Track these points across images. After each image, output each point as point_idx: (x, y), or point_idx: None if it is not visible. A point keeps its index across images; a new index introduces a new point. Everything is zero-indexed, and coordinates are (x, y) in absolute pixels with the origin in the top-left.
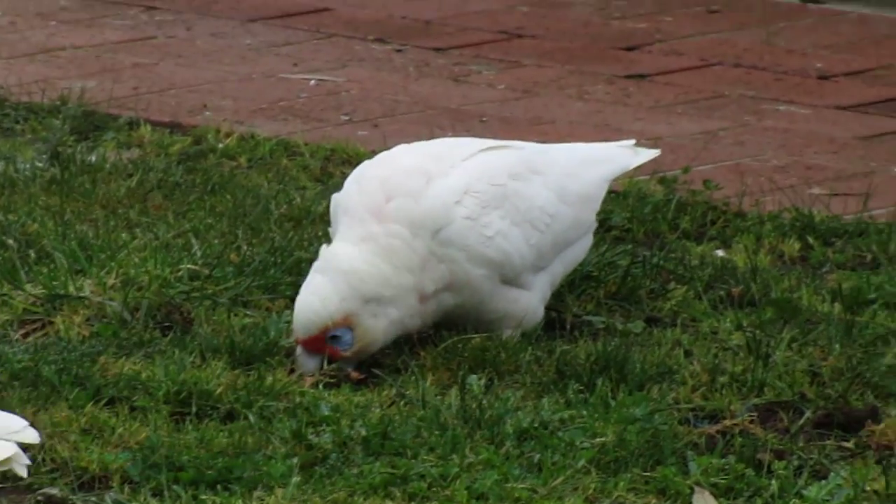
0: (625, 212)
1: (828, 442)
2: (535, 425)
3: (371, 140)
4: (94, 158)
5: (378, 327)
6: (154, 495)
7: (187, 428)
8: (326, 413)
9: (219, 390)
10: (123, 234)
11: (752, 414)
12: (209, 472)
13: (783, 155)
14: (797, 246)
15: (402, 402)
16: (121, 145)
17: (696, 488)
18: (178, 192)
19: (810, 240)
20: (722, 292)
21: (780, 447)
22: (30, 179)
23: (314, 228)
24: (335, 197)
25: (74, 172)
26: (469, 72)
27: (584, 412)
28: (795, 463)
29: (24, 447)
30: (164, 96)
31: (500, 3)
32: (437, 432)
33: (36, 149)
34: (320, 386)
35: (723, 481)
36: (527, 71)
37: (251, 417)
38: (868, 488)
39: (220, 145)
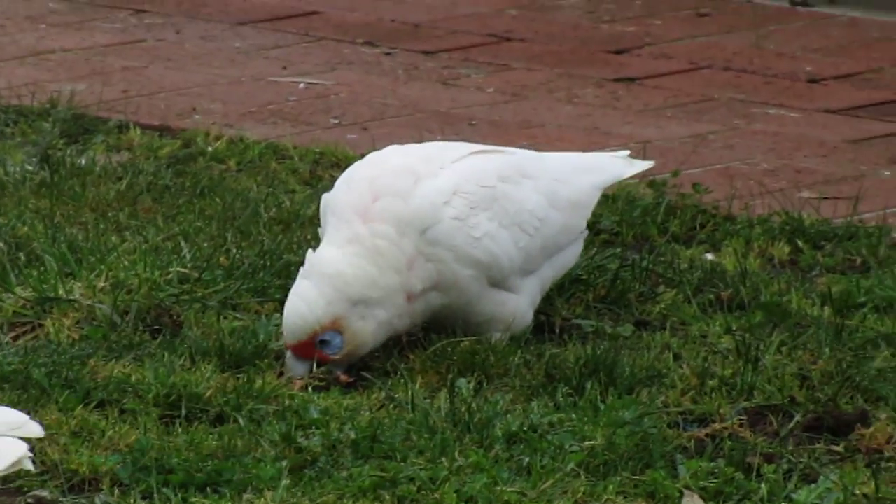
0: (614, 215)
1: (817, 446)
2: (525, 429)
3: (360, 143)
4: (83, 161)
5: (367, 329)
6: (144, 498)
7: (177, 431)
8: (316, 416)
9: (208, 393)
10: (113, 237)
11: (742, 417)
12: (199, 474)
13: (773, 158)
14: (787, 249)
15: (391, 406)
16: (110, 148)
17: (686, 492)
18: (168, 196)
19: (800, 243)
20: (711, 296)
21: (770, 451)
22: (19, 182)
23: (303, 231)
24: (325, 197)
25: (64, 175)
26: (458, 75)
27: (574, 415)
28: (785, 466)
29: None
30: (153, 99)
31: (490, 7)
32: (426, 435)
33: (26, 152)
34: (309, 389)
35: (712, 485)
36: (516, 74)
37: (241, 420)
38: (858, 492)
39: (210, 148)
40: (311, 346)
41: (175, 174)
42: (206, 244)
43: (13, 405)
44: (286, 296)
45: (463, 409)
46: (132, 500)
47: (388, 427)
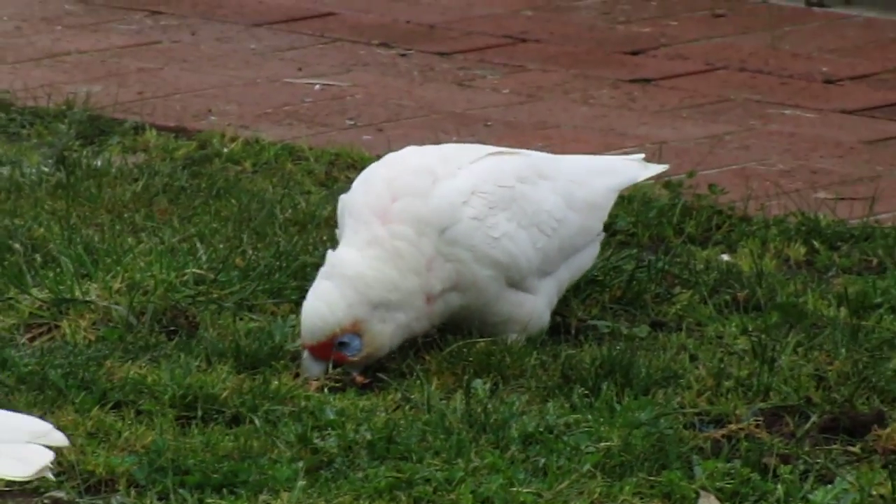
0: (630, 216)
1: (834, 446)
2: (541, 429)
3: (375, 145)
4: (99, 163)
5: (386, 332)
6: (160, 499)
7: (193, 432)
8: (332, 417)
9: (224, 394)
10: (129, 239)
11: (758, 418)
12: (215, 475)
13: (789, 159)
14: (803, 250)
15: (407, 407)
16: (126, 150)
17: (702, 493)
18: (184, 197)
19: (816, 244)
20: (727, 297)
21: (786, 452)
22: (36, 184)
23: (319, 233)
24: (342, 198)
25: (80, 177)
26: (474, 76)
27: (590, 416)
28: (801, 467)
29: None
30: (169, 101)
31: (505, 8)
32: (442, 436)
33: (42, 153)
34: (325, 390)
35: (728, 486)
36: (531, 75)
37: (257, 421)
38: (874, 493)
39: (225, 150)
40: (330, 348)
41: (191, 175)
42: (221, 245)
43: (30, 406)
44: (302, 297)
45: (479, 410)
46: (148, 501)
47: (404, 428)
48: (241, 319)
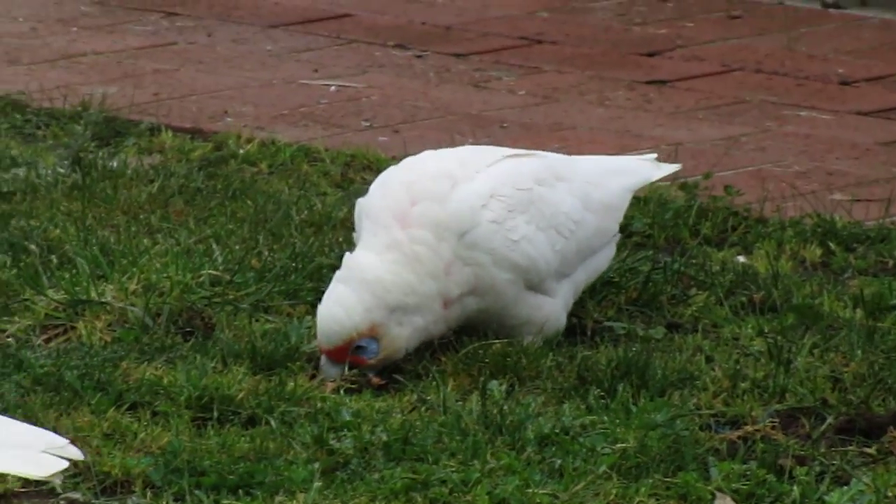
0: (646, 217)
1: (850, 448)
2: (557, 431)
3: (391, 146)
4: (115, 164)
5: (403, 336)
6: (176, 500)
7: (209, 433)
8: (348, 418)
9: (240, 395)
10: (145, 240)
11: (774, 420)
12: (231, 476)
13: (805, 161)
14: (819, 252)
15: (423, 408)
16: (142, 151)
17: (718, 494)
18: (200, 198)
19: (832, 245)
20: (743, 298)
21: (802, 453)
22: (51, 185)
23: (335, 234)
24: (360, 202)
25: (96, 178)
26: (489, 78)
27: (606, 418)
28: (817, 469)
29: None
30: (185, 102)
31: (521, 9)
32: (458, 438)
33: (58, 154)
34: (341, 391)
35: (744, 487)
36: (547, 77)
37: (273, 422)
38: (890, 494)
39: (241, 151)
40: (346, 351)
41: (206, 177)
42: (237, 247)
43: (46, 407)
44: (318, 298)
45: (495, 412)
46: (164, 503)
47: (420, 429)
48: (256, 321)
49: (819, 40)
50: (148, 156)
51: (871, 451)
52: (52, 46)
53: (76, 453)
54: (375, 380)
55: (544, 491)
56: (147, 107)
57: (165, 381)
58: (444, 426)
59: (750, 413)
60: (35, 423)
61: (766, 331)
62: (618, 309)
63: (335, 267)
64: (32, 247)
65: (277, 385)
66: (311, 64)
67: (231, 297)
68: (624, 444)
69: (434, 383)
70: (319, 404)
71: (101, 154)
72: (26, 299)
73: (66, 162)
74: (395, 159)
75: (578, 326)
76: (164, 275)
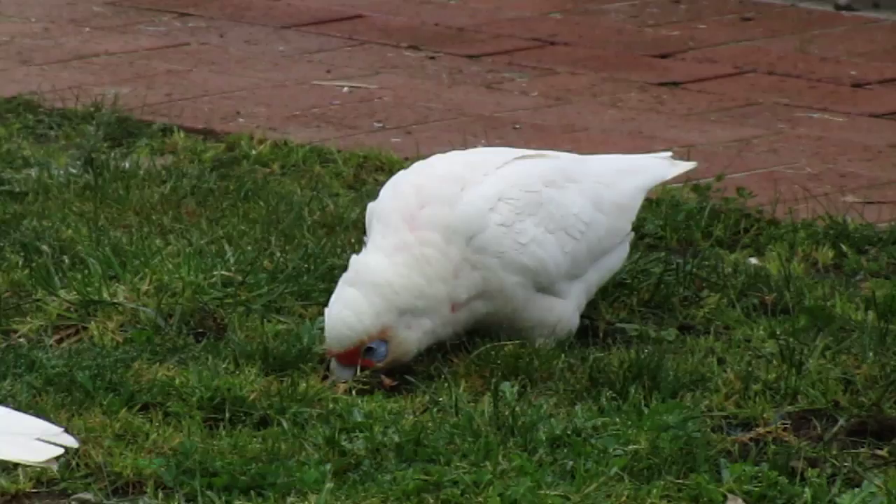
0: (658, 219)
1: (861, 450)
2: (568, 432)
3: (404, 147)
4: (127, 165)
5: (412, 338)
6: (187, 501)
7: (221, 434)
8: (359, 419)
9: (252, 396)
10: (157, 241)
11: (786, 422)
12: (242, 477)
13: (817, 163)
14: (831, 254)
15: (434, 409)
16: (154, 152)
17: (729, 496)
18: (212, 199)
19: (844, 248)
20: (755, 300)
21: (814, 455)
22: (64, 186)
23: (347, 235)
24: (370, 205)
25: (108, 179)
26: (502, 79)
27: (617, 419)
28: (829, 471)
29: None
30: (197, 103)
31: (534, 11)
32: (469, 439)
33: (70, 155)
34: (353, 392)
35: (756, 489)
36: (560, 78)
37: (284, 423)
38: None
39: (254, 152)
40: (357, 354)
41: (219, 178)
42: (249, 247)
43: (57, 408)
44: (330, 300)
45: (507, 413)
46: (176, 503)
47: (432, 430)
48: (269, 322)
49: (832, 42)
50: (160, 156)
51: (883, 453)
52: (64, 47)
53: (70, 441)
54: (387, 381)
55: (556, 492)
56: (159, 107)
57: (177, 381)
58: (456, 427)
59: (762, 415)
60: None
61: (778, 333)
62: (630, 310)
63: (347, 268)
64: (44, 247)
65: (289, 386)
66: (324, 65)
67: (243, 297)
68: (636, 446)
69: (446, 384)
70: (331, 405)
71: (113, 154)
72: (38, 300)
73: (78, 162)
74: (408, 160)
75: (590, 328)
76: (177, 275)
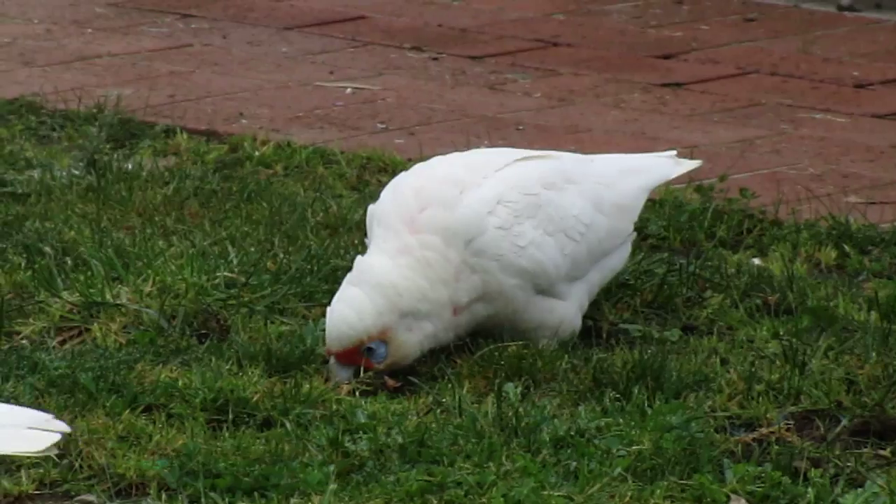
0: (661, 220)
1: (864, 450)
2: (572, 433)
3: (407, 148)
4: (130, 166)
5: (412, 341)
6: (191, 502)
7: (224, 435)
8: (363, 420)
9: (255, 398)
10: (160, 242)
11: (789, 422)
12: (246, 479)
13: (820, 163)
14: (834, 254)
15: (438, 410)
16: (157, 153)
17: (733, 496)
18: (215, 200)
19: (847, 248)
20: (758, 301)
21: (817, 455)
22: (66, 187)
23: (350, 236)
24: (370, 208)
25: (111, 180)
26: (505, 80)
27: (621, 420)
28: (832, 471)
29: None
30: (200, 104)
31: (537, 12)
32: (473, 440)
33: (72, 156)
34: (357, 393)
35: (759, 489)
36: (563, 79)
37: (288, 425)
38: None
39: (257, 153)
40: (356, 354)
41: (222, 179)
42: (253, 249)
43: (60, 409)
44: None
45: (510, 414)
46: None
47: (436, 431)
48: (272, 323)
49: (834, 43)
50: (163, 158)
51: (886, 453)
52: (67, 48)
53: (62, 426)
54: (391, 382)
55: (559, 493)
56: (162, 109)
57: (180, 383)
58: (460, 428)
59: (765, 415)
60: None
61: (781, 333)
62: (633, 311)
63: (350, 269)
64: (47, 249)
65: (293, 387)
66: (327, 66)
67: (246, 299)
68: (639, 447)
69: (449, 385)
70: (335, 406)
71: (116, 156)
72: (41, 301)
73: (81, 164)
74: (411, 161)
75: (594, 329)
76: (180, 277)
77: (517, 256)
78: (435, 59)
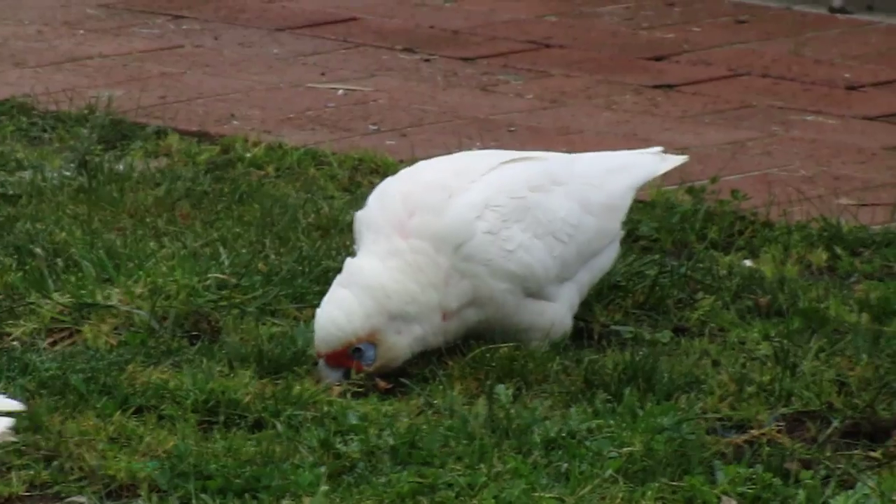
0: (653, 221)
1: (855, 452)
2: (563, 435)
3: (399, 150)
4: (121, 167)
5: (401, 344)
6: None
7: (215, 437)
8: (354, 422)
9: (247, 399)
10: (151, 243)
11: (780, 423)
12: (237, 480)
13: (811, 165)
14: (825, 256)
15: (429, 412)
16: (148, 154)
17: (724, 498)
18: (206, 201)
19: (838, 250)
20: (749, 302)
21: (808, 457)
22: (57, 188)
23: (342, 238)
24: (357, 214)
25: (102, 181)
26: (497, 81)
27: (612, 422)
28: (822, 472)
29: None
30: (191, 105)
31: (529, 13)
32: (464, 441)
33: (64, 157)
34: (348, 395)
35: (750, 491)
36: (555, 81)
37: (279, 426)
38: (895, 498)
39: (248, 154)
40: (345, 356)
41: (213, 180)
42: (244, 250)
43: (51, 411)
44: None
45: (501, 416)
46: None
47: (427, 433)
48: (263, 324)
49: (826, 45)
50: (154, 159)
51: (877, 454)
52: (58, 49)
53: (15, 405)
54: (382, 383)
55: (551, 495)
56: (153, 110)
57: (171, 384)
58: (451, 430)
59: (756, 417)
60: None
61: (772, 335)
62: (624, 313)
63: (342, 271)
64: (38, 250)
65: (284, 389)
66: (319, 67)
67: (237, 300)
68: (630, 448)
69: (441, 387)
70: (326, 408)
71: (107, 157)
72: (32, 302)
73: (72, 165)
74: (403, 163)
75: (585, 330)
76: (171, 278)
77: (506, 260)
78: (427, 60)
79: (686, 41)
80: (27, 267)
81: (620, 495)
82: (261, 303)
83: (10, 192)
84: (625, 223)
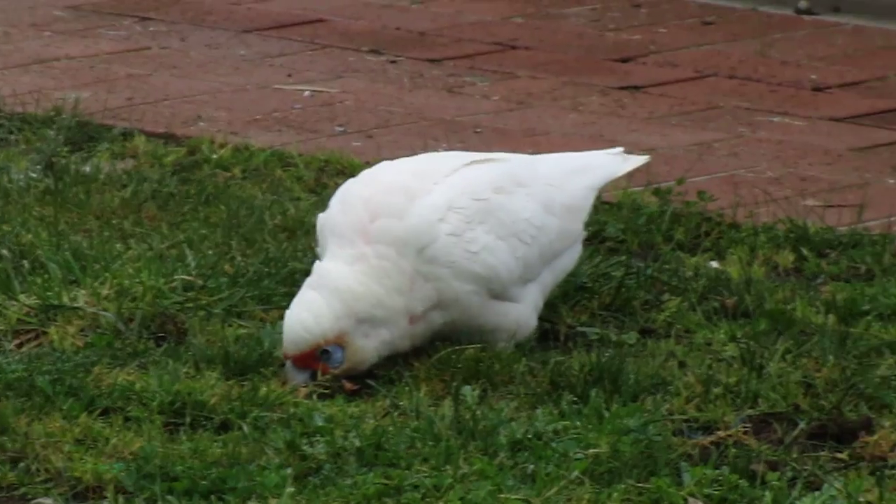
0: (619, 223)
1: (822, 453)
2: (529, 436)
3: (365, 151)
4: (88, 169)
5: (368, 347)
6: None
7: (181, 438)
8: (320, 424)
9: (213, 401)
10: (118, 245)
11: (746, 425)
12: (203, 482)
13: (777, 166)
14: (791, 257)
15: (395, 413)
16: (115, 156)
17: (690, 499)
18: (173, 203)
19: (804, 251)
20: (716, 304)
21: (774, 458)
22: (24, 190)
23: (308, 239)
24: (320, 217)
25: (68, 183)
26: (463, 83)
27: (578, 423)
28: (789, 474)
29: None
30: (158, 107)
31: (495, 15)
32: (430, 443)
33: (30, 159)
34: (314, 397)
35: (716, 492)
36: (521, 82)
37: (245, 428)
38: (861, 500)
39: (215, 156)
40: (312, 357)
41: (180, 182)
42: (210, 252)
43: (17, 412)
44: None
45: (467, 417)
46: None
47: (393, 434)
48: (229, 326)
49: (792, 46)
50: (121, 160)
51: (843, 456)
52: (24, 51)
53: None
54: (348, 385)
55: (517, 496)
56: (120, 111)
57: (138, 386)
58: (417, 431)
59: (722, 418)
60: None
61: (738, 336)
62: (591, 314)
63: (308, 272)
64: (4, 252)
65: (250, 390)
66: (285, 69)
67: (204, 302)
68: (596, 450)
69: (407, 388)
70: (292, 409)
71: (73, 159)
72: None
73: (38, 167)
74: (369, 164)
75: (551, 332)
76: (137, 280)
77: (470, 262)
78: (393, 62)
79: (652, 42)
80: None
81: (587, 497)
82: (227, 304)
83: None
84: (591, 224)
